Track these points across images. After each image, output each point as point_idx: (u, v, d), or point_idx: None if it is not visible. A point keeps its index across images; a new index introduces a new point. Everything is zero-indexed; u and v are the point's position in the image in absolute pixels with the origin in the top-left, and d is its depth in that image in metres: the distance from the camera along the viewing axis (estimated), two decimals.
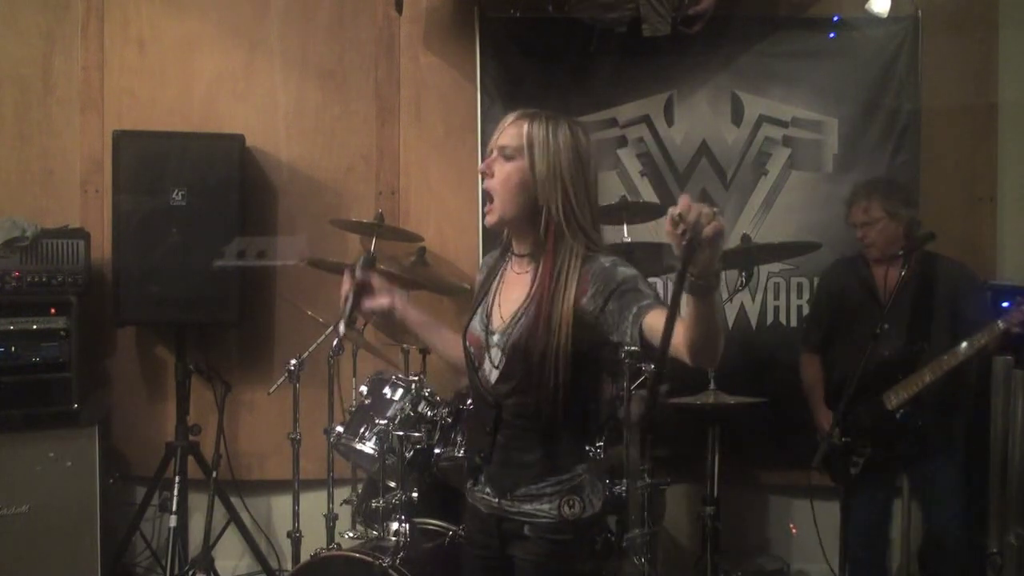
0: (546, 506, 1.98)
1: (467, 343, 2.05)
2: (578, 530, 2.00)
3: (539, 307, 1.92)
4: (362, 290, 2.10)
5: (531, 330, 1.92)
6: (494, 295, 2.04)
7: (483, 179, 1.99)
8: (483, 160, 2.01)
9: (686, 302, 1.63)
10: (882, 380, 3.19)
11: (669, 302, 1.52)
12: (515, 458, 1.99)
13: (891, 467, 3.36)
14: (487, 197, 1.99)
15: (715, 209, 1.51)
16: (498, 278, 2.08)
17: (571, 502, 1.99)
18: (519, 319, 1.96)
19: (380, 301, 2.11)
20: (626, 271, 1.90)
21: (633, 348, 2.89)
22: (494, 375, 1.99)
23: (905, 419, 3.17)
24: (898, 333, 3.23)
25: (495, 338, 1.99)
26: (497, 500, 2.01)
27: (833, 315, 3.48)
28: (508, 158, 1.95)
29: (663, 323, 1.62)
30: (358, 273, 2.09)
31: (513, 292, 2.01)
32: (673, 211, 1.52)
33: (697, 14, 3.54)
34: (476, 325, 2.05)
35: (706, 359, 1.72)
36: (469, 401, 2.99)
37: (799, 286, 3.91)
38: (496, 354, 1.98)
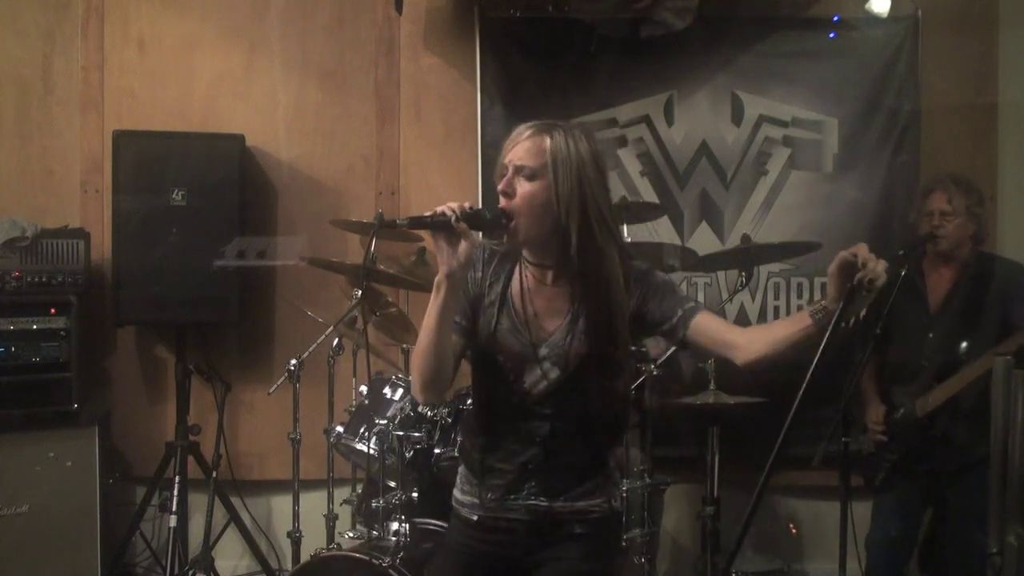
0: (598, 500, 2.00)
1: (497, 355, 1.97)
2: (618, 520, 2.12)
3: (593, 320, 1.92)
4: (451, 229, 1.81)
5: (591, 342, 1.92)
6: (523, 306, 1.97)
7: (502, 197, 1.90)
8: (499, 176, 1.91)
9: (794, 321, 1.83)
10: (925, 386, 3.11)
11: (824, 341, 1.68)
12: (566, 461, 1.98)
13: (920, 477, 3.19)
14: (506, 215, 1.89)
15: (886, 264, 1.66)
16: (514, 287, 1.99)
17: (614, 494, 2.05)
18: (572, 334, 1.93)
19: (463, 250, 1.81)
20: (661, 274, 1.99)
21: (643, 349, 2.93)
22: (542, 386, 1.95)
23: (932, 428, 3.07)
24: (946, 338, 3.14)
25: (543, 351, 1.94)
26: (548, 504, 1.98)
27: (886, 316, 3.14)
28: (529, 178, 1.88)
29: (712, 325, 1.90)
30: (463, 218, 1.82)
31: (550, 304, 1.97)
32: (848, 255, 1.66)
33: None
34: (509, 338, 1.96)
35: (759, 368, 1.85)
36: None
37: (799, 286, 3.91)
38: (547, 366, 1.94)
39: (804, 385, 1.65)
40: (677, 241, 3.87)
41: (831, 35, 3.92)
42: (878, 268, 1.65)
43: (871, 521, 3.31)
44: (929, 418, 3.08)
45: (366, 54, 4.01)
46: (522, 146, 1.90)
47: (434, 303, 1.83)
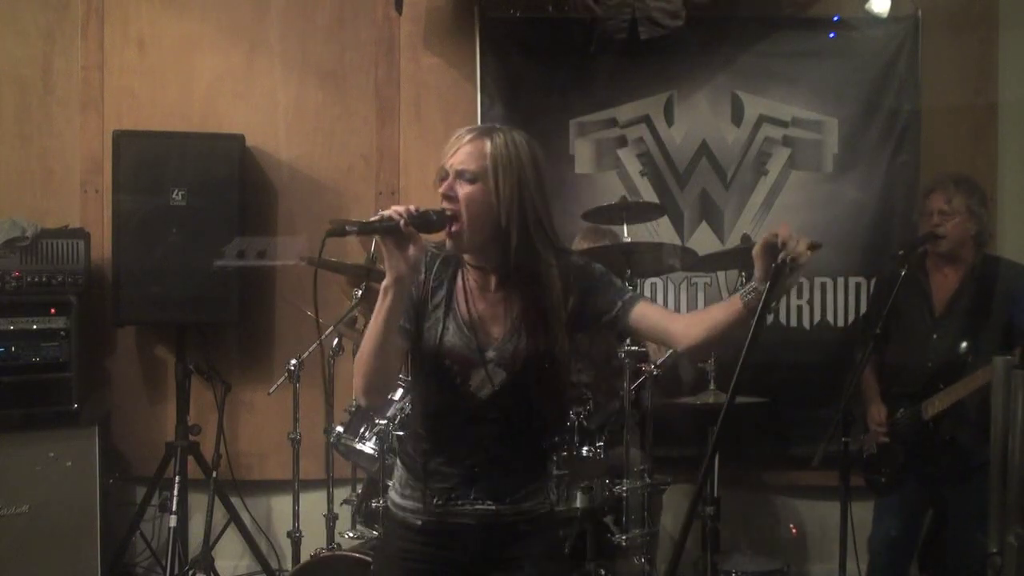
0: (540, 498, 2.04)
1: (444, 359, 1.96)
2: (559, 518, 2.14)
3: (535, 322, 1.93)
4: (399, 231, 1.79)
5: (535, 346, 1.93)
6: (467, 311, 1.97)
7: (444, 201, 1.91)
8: (439, 180, 1.93)
9: (727, 306, 1.87)
10: (928, 388, 3.10)
11: (755, 321, 1.71)
12: (511, 464, 1.99)
13: (924, 479, 3.19)
14: (450, 218, 1.90)
15: (813, 240, 1.67)
16: (458, 291, 1.99)
17: (551, 489, 2.14)
18: (517, 337, 1.94)
19: (412, 254, 1.82)
20: (599, 267, 2.01)
21: (631, 346, 2.92)
22: (488, 389, 1.95)
23: (938, 431, 3.06)
24: (950, 340, 3.13)
25: (490, 354, 1.95)
26: (495, 507, 1.98)
27: (887, 317, 3.15)
28: (470, 181, 1.89)
29: (651, 313, 1.95)
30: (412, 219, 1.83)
31: (494, 309, 1.98)
32: (769, 235, 1.69)
33: None
34: (456, 342, 1.96)
35: (702, 355, 1.87)
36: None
37: (799, 286, 3.90)
38: (493, 369, 1.94)
39: (738, 368, 1.68)
40: (677, 241, 3.87)
41: (831, 35, 3.92)
42: (799, 247, 1.67)
43: (873, 522, 3.31)
44: (935, 421, 3.07)
45: (366, 54, 4.01)
46: (463, 150, 1.91)
47: (381, 307, 1.82)
